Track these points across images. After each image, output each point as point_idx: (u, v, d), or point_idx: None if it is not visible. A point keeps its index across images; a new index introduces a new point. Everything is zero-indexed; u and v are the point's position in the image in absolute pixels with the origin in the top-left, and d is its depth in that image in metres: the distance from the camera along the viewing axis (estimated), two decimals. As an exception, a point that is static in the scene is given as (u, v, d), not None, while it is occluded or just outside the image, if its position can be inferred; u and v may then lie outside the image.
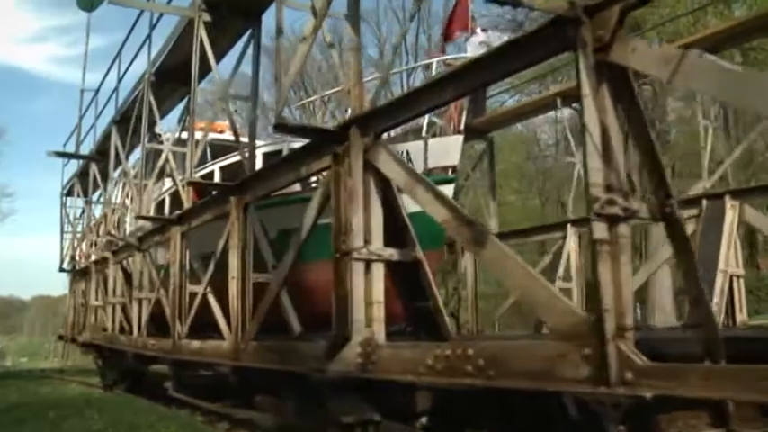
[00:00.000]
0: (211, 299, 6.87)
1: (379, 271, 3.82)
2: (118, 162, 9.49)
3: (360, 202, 3.81)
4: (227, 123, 12.20)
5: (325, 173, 4.79)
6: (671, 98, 23.29)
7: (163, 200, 11.37)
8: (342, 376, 3.56)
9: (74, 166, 13.65)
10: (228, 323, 6.12)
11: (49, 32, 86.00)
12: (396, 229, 3.96)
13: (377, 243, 3.85)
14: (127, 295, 9.76)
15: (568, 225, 7.93)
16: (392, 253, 3.89)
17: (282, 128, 3.99)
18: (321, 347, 4.08)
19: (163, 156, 7.34)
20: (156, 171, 7.72)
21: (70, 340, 14.27)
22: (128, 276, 10.50)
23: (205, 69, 6.57)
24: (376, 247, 3.83)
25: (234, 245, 5.50)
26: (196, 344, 6.42)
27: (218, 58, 5.97)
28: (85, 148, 11.54)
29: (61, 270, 14.28)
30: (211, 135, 11.79)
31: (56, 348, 31.12)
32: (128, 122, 8.66)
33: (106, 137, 9.75)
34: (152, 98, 7.38)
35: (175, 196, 10.24)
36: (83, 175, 12.44)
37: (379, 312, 3.77)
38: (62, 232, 14.10)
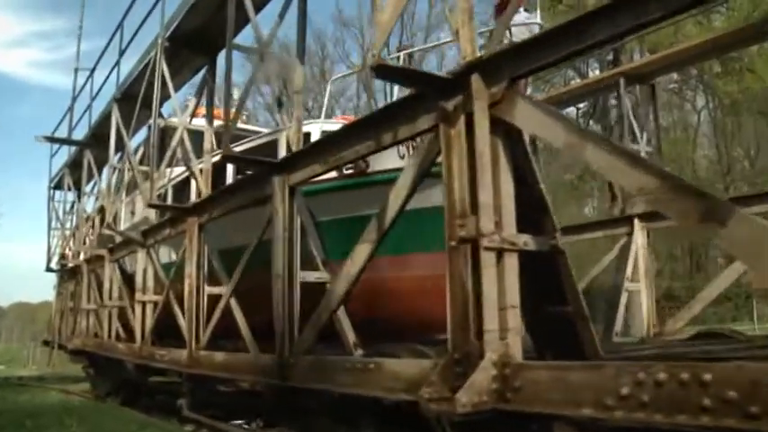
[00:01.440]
0: (233, 303, 5.90)
1: (512, 265, 2.85)
2: (119, 146, 8.40)
3: (488, 172, 2.85)
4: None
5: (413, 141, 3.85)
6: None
7: (164, 193, 10.28)
8: (472, 409, 2.58)
9: (63, 156, 12.50)
10: (257, 331, 5.16)
11: (30, 37, 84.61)
12: (529, 209, 3.01)
13: (509, 227, 2.89)
14: (126, 298, 8.68)
15: (635, 220, 7.03)
16: (526, 240, 2.93)
17: (383, 71, 3.01)
18: (422, 367, 3.11)
19: (177, 134, 6.30)
20: (169, 154, 6.66)
21: (57, 346, 13.06)
22: (126, 277, 9.43)
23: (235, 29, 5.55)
24: (509, 233, 2.87)
25: (279, 236, 4.50)
26: (220, 356, 5.39)
27: (256, 12, 4.96)
28: (78, 135, 10.41)
29: (48, 270, 13.06)
30: (218, 123, 10.83)
31: (34, 356, 29.93)
32: (132, 100, 7.58)
33: (105, 118, 8.63)
34: (165, 67, 6.34)
35: (180, 188, 9.19)
36: (74, 165, 11.28)
37: (515, 320, 2.81)
38: (49, 229, 12.88)
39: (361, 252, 3.68)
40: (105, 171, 9.07)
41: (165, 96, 6.58)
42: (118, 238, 9.62)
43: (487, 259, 2.76)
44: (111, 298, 9.40)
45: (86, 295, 10.78)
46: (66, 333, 12.18)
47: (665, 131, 28.18)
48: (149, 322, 7.61)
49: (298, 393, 4.21)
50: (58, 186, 12.80)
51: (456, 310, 2.89)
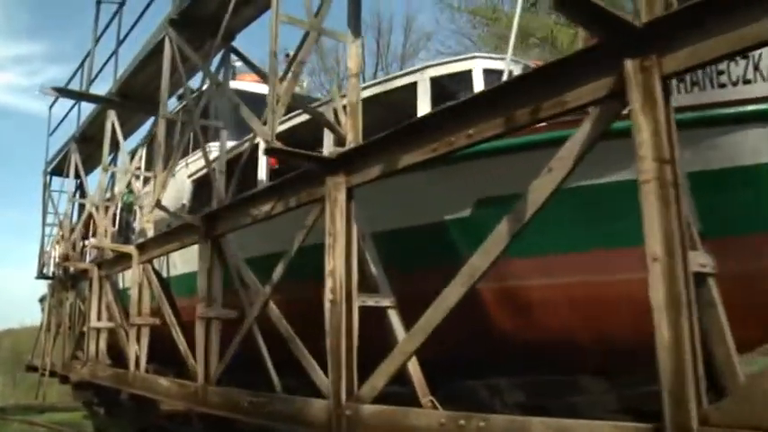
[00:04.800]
0: (394, 317, 3.61)
1: None
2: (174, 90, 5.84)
3: None
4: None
5: None
6: None
7: (199, 180, 7.73)
8: None
9: (59, 138, 9.90)
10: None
11: (6, 62, 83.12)
12: None
13: None
14: (168, 314, 6.11)
15: None
16: None
17: None
18: None
19: (308, 41, 3.84)
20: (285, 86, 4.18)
21: (47, 374, 10.26)
22: (164, 284, 6.87)
23: None
24: None
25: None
26: (440, 418, 2.86)
27: None
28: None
29: (41, 276, 10.28)
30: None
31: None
32: (203, 20, 5.13)
33: (149, 57, 6.01)
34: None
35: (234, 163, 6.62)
36: (84, 139, 8.65)
37: None
38: (44, 224, 10.13)
39: None
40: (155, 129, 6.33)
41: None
42: (150, 232, 7.07)
43: None
44: (140, 313, 6.80)
45: (97, 309, 8.12)
46: (63, 358, 9.43)
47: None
48: (216, 350, 5.07)
49: None
50: (57, 171, 10.08)
51: None
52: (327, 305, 3.57)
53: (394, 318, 3.74)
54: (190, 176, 8.05)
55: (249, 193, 4.76)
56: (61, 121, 9.41)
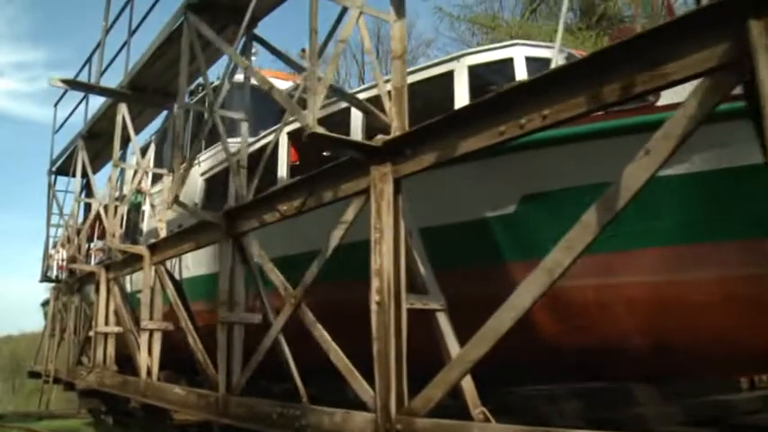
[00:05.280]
0: (443, 321, 3.35)
1: None
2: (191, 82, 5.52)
3: None
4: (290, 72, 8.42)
5: None
6: None
7: (212, 178, 7.42)
8: None
9: (63, 139, 9.54)
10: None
11: (6, 68, 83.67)
12: None
13: None
14: (182, 317, 5.77)
15: None
16: None
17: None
18: None
19: (352, 17, 3.52)
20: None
21: (51, 380, 9.89)
22: (178, 286, 6.54)
23: None
24: None
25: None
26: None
27: None
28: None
29: (45, 279, 9.92)
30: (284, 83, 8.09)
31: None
32: (225, 3, 4.81)
33: (165, 44, 5.68)
34: None
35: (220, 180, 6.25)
36: (92, 137, 8.31)
37: None
38: (48, 225, 9.78)
39: None
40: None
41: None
42: (162, 232, 6.75)
43: None
44: (152, 317, 6.47)
45: (104, 313, 7.78)
46: (69, 364, 9.08)
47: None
48: (240, 357, 4.73)
49: None
50: (62, 171, 9.74)
51: None
52: (374, 307, 3.24)
53: (443, 321, 3.41)
54: (202, 174, 7.74)
55: (276, 188, 4.44)
56: (67, 117, 9.10)
